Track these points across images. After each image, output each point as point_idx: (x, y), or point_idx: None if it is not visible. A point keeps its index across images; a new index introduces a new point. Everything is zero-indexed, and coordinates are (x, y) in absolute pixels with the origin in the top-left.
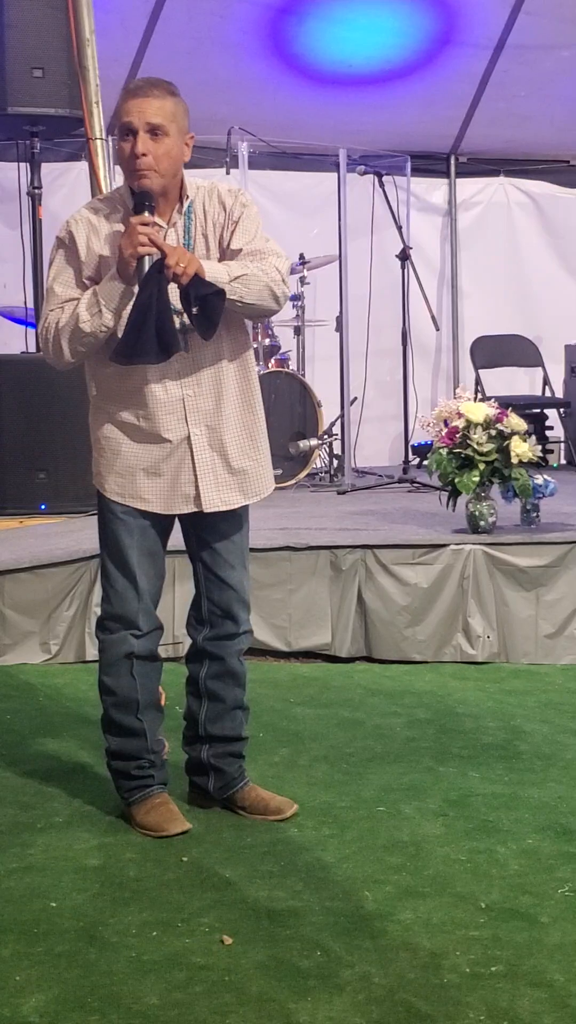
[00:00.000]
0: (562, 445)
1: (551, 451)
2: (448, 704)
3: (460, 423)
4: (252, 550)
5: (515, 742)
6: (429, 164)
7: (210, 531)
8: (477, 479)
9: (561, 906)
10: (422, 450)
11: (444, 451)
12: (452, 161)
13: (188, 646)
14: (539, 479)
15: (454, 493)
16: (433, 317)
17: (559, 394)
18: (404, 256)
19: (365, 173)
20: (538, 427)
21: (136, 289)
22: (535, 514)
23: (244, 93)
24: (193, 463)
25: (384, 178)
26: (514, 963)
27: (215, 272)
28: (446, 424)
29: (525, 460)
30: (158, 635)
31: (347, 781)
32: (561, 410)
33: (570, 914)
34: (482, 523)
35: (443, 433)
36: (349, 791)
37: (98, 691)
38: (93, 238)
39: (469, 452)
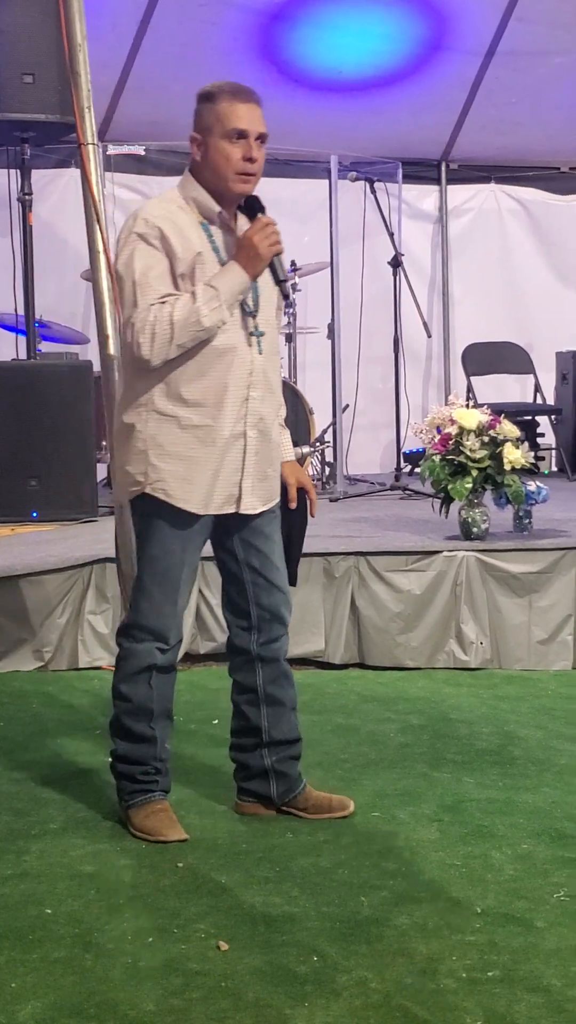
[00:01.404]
0: (553, 452)
1: (542, 458)
2: (442, 710)
3: (453, 430)
4: None
5: (509, 747)
6: (420, 171)
7: (256, 534)
8: (470, 486)
9: (557, 911)
10: (414, 457)
11: (437, 458)
12: (443, 168)
13: (235, 656)
14: (532, 486)
15: (447, 500)
16: (425, 324)
17: (550, 401)
18: (396, 263)
19: (357, 179)
20: (530, 434)
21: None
22: (528, 520)
23: None
24: (243, 464)
25: (375, 185)
26: (511, 968)
27: None
28: (439, 431)
29: (518, 467)
30: (180, 647)
31: (342, 787)
32: (552, 417)
33: (566, 919)
34: (475, 530)
35: (436, 440)
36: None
37: (112, 695)
38: (180, 236)
39: (462, 459)
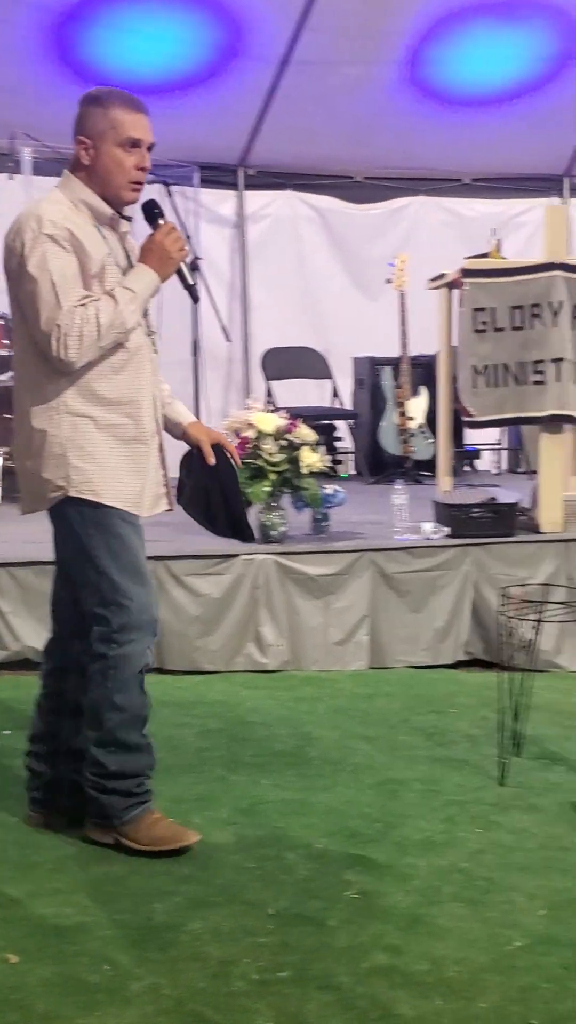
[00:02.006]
0: (351, 456)
1: (340, 461)
2: (239, 713)
3: (251, 434)
4: (48, 563)
5: (305, 748)
6: (218, 175)
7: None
8: (268, 489)
9: (349, 909)
10: None
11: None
12: (240, 173)
13: (50, 662)
14: (328, 489)
15: (245, 503)
16: (224, 328)
17: (348, 406)
18: (193, 267)
19: (152, 183)
20: (327, 438)
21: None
22: (325, 523)
23: (29, 99)
24: (162, 462)
25: (172, 188)
26: (302, 967)
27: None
28: (237, 435)
29: (315, 470)
30: None
31: None
32: (350, 422)
33: (357, 916)
34: (273, 532)
35: (234, 444)
36: None
37: (100, 710)
38: (87, 238)
39: (260, 462)
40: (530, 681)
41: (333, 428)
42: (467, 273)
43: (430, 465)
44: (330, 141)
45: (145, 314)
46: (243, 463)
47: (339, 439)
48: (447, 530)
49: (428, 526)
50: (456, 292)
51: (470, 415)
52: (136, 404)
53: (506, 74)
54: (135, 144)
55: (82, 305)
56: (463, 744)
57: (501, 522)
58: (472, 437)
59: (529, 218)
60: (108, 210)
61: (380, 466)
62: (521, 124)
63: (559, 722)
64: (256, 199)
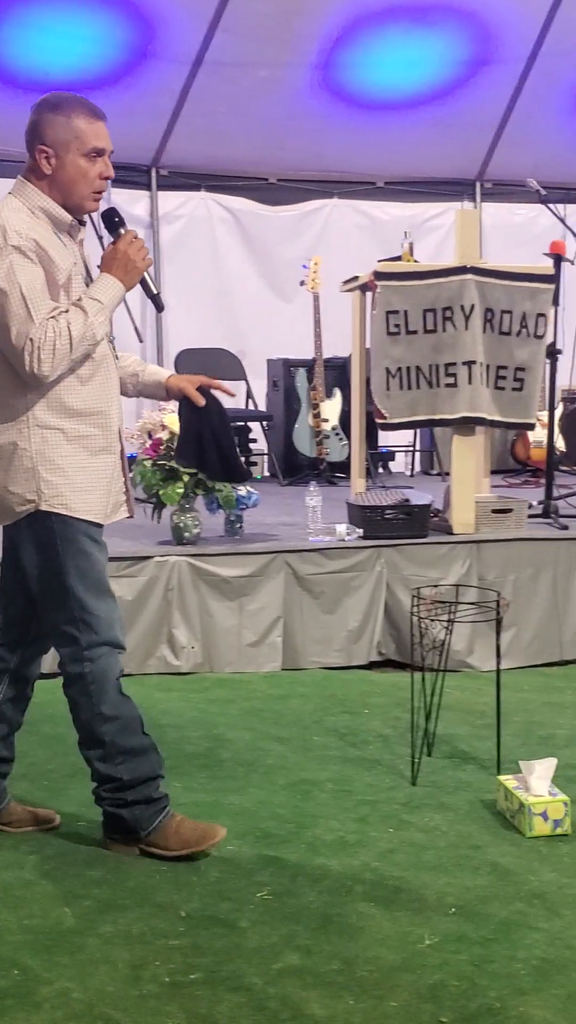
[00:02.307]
0: (265, 457)
1: (255, 463)
2: (152, 716)
3: (164, 435)
4: None
5: (218, 750)
6: (130, 176)
7: None
8: (181, 491)
9: (260, 910)
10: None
11: (148, 463)
12: (153, 174)
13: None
14: (242, 491)
15: (159, 505)
16: (136, 329)
17: (262, 407)
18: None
19: None
20: (242, 439)
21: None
22: (239, 525)
23: None
24: (124, 469)
25: None
26: (213, 969)
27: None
28: (150, 436)
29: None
30: None
31: (48, 798)
32: (264, 423)
33: (268, 917)
34: (187, 534)
35: (147, 445)
36: (50, 808)
37: (91, 726)
38: (53, 248)
39: (173, 464)
40: (442, 681)
41: (247, 430)
42: (380, 276)
43: (344, 467)
44: (244, 142)
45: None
46: (156, 464)
47: (253, 441)
48: (360, 531)
49: (341, 527)
50: (369, 294)
51: (383, 417)
52: (105, 414)
53: (419, 78)
54: (99, 153)
55: (53, 318)
56: (375, 744)
57: (414, 523)
58: (386, 439)
59: (442, 222)
60: (68, 217)
61: (294, 468)
62: (434, 128)
63: (470, 721)
64: (169, 200)
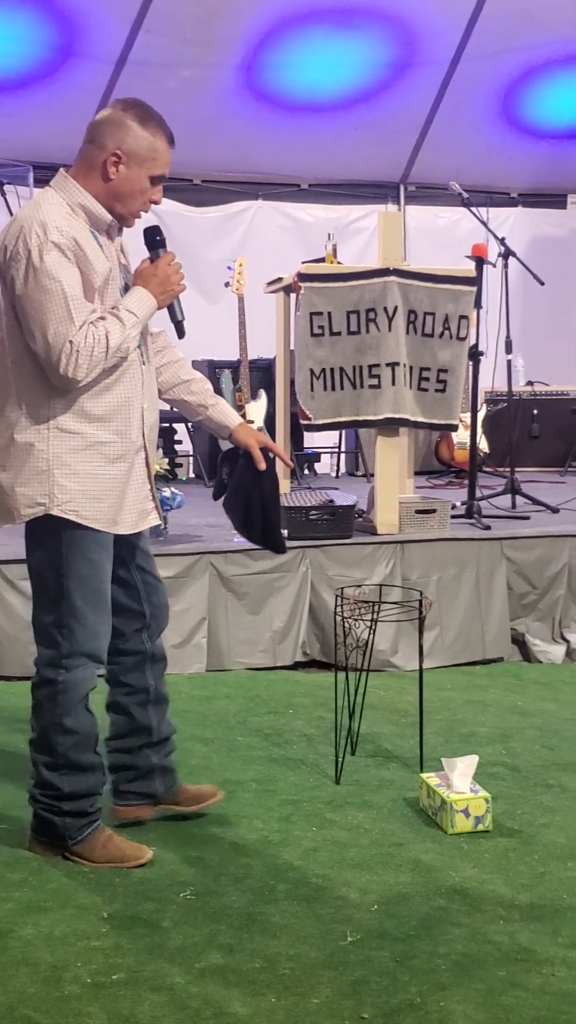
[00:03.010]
0: (191, 459)
1: (180, 464)
2: None
3: None
4: None
5: None
6: (53, 176)
7: (139, 534)
8: None
9: (183, 910)
10: None
11: None
12: None
13: (125, 658)
14: (167, 492)
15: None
16: None
17: None
18: None
19: None
20: (167, 441)
21: None
22: (163, 526)
23: None
24: (149, 475)
25: (6, 187)
26: (135, 969)
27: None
28: None
29: (154, 473)
30: None
31: None
32: (189, 424)
33: (190, 917)
34: None
35: None
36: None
37: (47, 734)
38: (90, 248)
39: None
40: (366, 681)
41: (172, 431)
42: (303, 277)
43: None
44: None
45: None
46: None
47: (178, 442)
48: (285, 532)
49: None
50: (293, 296)
51: (307, 418)
52: (125, 420)
53: (342, 81)
54: (160, 180)
55: (93, 324)
56: (300, 744)
57: (338, 524)
58: (311, 440)
59: (366, 224)
60: (108, 217)
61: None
62: (358, 131)
63: (394, 720)
64: None
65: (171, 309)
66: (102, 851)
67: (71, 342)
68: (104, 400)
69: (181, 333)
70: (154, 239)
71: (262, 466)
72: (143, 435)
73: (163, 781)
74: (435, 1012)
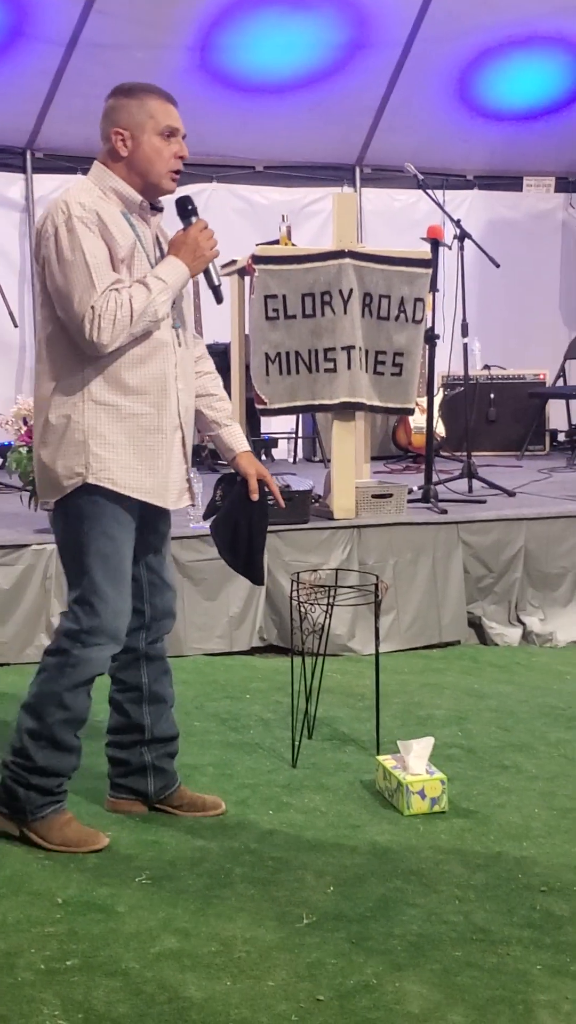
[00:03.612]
0: None
1: None
2: None
3: None
4: None
5: (99, 737)
6: (5, 158)
7: (155, 533)
8: None
9: (138, 894)
10: (2, 450)
11: (24, 450)
12: (28, 156)
13: (122, 657)
14: None
15: (35, 493)
16: (11, 314)
17: None
18: None
19: None
20: None
21: None
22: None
23: None
24: (185, 456)
25: None
26: (90, 955)
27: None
28: (25, 422)
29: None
30: None
31: None
32: None
33: (146, 901)
34: None
35: (23, 431)
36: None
37: (41, 702)
38: (115, 224)
39: None
40: (322, 665)
41: None
42: (258, 259)
43: None
44: None
45: (172, 305)
46: (31, 451)
47: None
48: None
49: None
50: (248, 279)
51: (263, 403)
52: (160, 394)
53: (297, 62)
54: (172, 133)
55: (115, 290)
56: (256, 728)
57: (295, 509)
58: (268, 425)
59: (322, 207)
60: (138, 197)
61: None
62: (313, 113)
63: (350, 704)
64: (45, 183)
65: (207, 274)
66: (59, 833)
67: (93, 307)
68: (138, 373)
69: (219, 298)
70: (186, 208)
71: (255, 497)
72: (179, 415)
73: (158, 781)
74: (391, 992)
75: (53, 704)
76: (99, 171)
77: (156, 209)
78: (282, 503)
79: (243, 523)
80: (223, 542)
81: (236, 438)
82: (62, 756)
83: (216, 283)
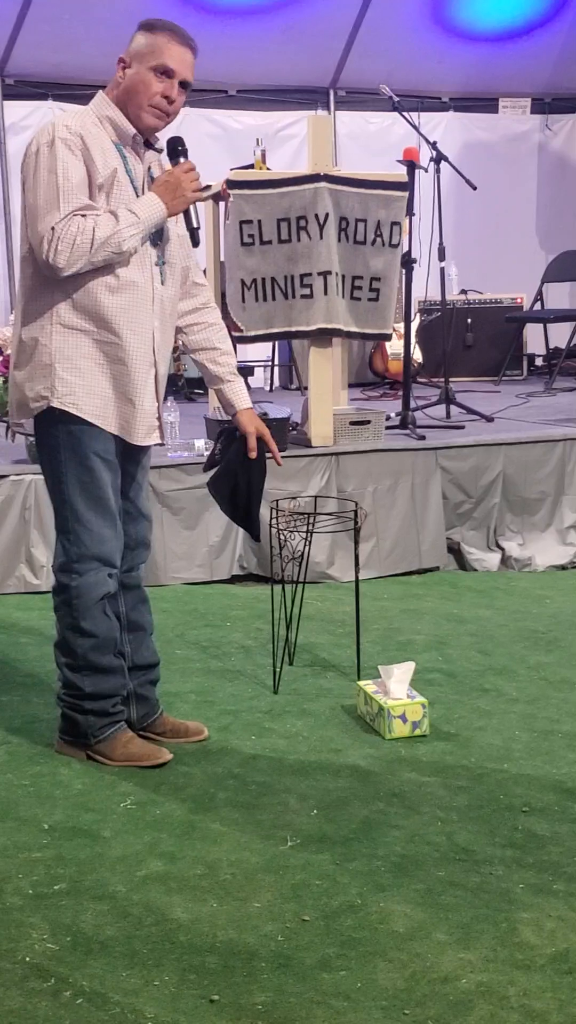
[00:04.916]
0: None
1: None
2: (12, 635)
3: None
4: None
5: None
6: None
7: (134, 464)
8: None
9: (123, 819)
10: None
11: (1, 380)
12: None
13: None
14: None
15: (10, 425)
16: None
17: None
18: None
19: None
20: None
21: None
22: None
23: None
24: (157, 394)
25: None
26: (77, 880)
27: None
28: (1, 352)
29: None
30: None
31: None
32: None
33: (131, 826)
34: None
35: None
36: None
37: (66, 635)
38: (99, 149)
39: None
40: (302, 592)
41: None
42: (232, 184)
43: (201, 383)
44: (90, 50)
45: (156, 243)
46: (6, 382)
47: None
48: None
49: (200, 443)
50: (223, 205)
51: (239, 330)
52: (131, 327)
53: None
54: (166, 72)
55: (82, 215)
56: (237, 656)
57: (273, 437)
58: (244, 353)
59: (296, 131)
60: (131, 129)
61: None
62: (286, 35)
63: (331, 631)
64: (16, 110)
65: (186, 216)
66: (122, 749)
67: (53, 228)
68: (110, 302)
69: (195, 241)
70: (175, 149)
71: (253, 455)
72: (153, 351)
73: (140, 708)
74: (375, 912)
75: (76, 636)
76: (99, 99)
77: (151, 147)
78: (280, 462)
79: (242, 480)
80: (223, 497)
81: (238, 394)
82: (106, 678)
83: (195, 225)
